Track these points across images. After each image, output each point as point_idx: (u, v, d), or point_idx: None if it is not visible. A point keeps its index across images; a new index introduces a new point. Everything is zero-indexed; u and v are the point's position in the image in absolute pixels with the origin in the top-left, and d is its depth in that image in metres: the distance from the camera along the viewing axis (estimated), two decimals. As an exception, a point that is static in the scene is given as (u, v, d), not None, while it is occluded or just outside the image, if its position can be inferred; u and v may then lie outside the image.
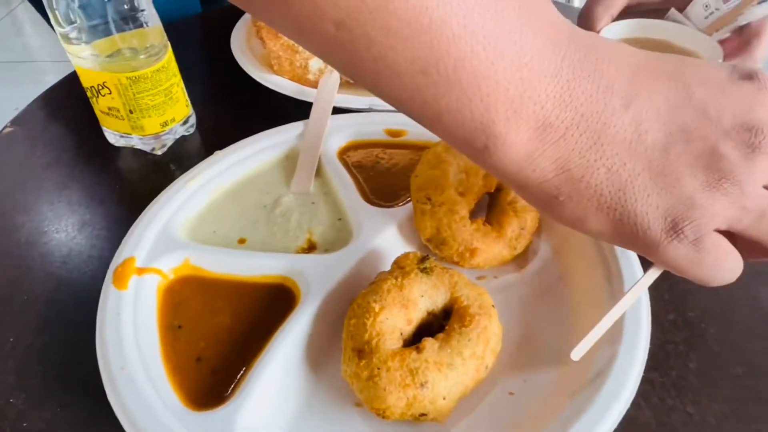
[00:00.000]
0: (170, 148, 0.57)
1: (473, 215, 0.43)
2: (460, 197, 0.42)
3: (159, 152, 0.56)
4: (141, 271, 0.41)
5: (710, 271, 0.29)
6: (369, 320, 0.35)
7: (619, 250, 0.41)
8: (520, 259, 0.45)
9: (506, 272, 0.44)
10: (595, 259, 0.42)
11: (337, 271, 0.41)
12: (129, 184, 0.54)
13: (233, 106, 0.64)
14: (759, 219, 0.28)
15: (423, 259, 0.38)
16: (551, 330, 0.40)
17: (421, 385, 0.33)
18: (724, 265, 0.29)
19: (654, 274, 0.34)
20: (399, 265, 0.39)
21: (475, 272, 0.43)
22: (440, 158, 0.42)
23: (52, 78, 0.66)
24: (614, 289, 0.39)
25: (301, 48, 0.59)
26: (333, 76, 0.59)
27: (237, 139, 0.53)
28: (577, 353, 0.35)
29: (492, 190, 0.45)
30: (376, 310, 0.35)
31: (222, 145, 0.53)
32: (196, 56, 0.73)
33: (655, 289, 0.42)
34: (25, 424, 0.36)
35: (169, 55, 0.52)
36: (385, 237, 0.44)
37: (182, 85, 0.55)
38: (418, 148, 0.52)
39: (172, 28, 0.82)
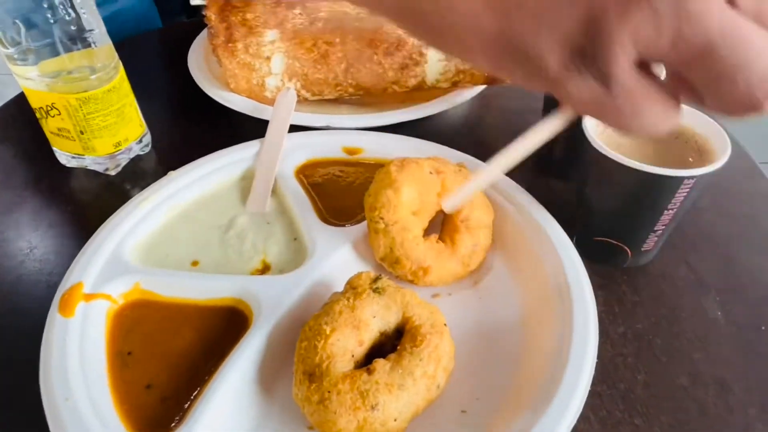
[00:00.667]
0: (125, 167, 0.56)
1: (427, 233, 0.44)
2: (413, 216, 0.43)
3: (113, 172, 0.55)
4: (89, 297, 0.40)
5: (628, 115, 0.24)
6: (320, 343, 0.35)
7: (568, 263, 0.42)
8: (475, 276, 0.45)
9: (461, 289, 0.44)
10: (546, 273, 0.42)
11: (291, 292, 0.41)
12: (80, 206, 0.53)
13: (190, 125, 0.63)
14: (678, 37, 0.22)
15: (376, 279, 0.39)
16: (504, 346, 0.40)
17: (372, 407, 0.33)
18: (644, 108, 0.24)
19: (559, 118, 0.30)
20: (351, 285, 0.39)
21: (430, 290, 0.44)
22: (393, 177, 0.43)
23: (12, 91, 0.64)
24: (565, 303, 0.40)
25: (257, 65, 0.59)
26: (290, 94, 0.59)
27: (194, 157, 0.52)
28: (449, 204, 0.33)
29: (445, 208, 0.45)
30: (327, 332, 0.35)
31: (178, 163, 0.52)
32: (153, 73, 0.73)
33: (604, 304, 0.43)
34: (-37, 462, 0.34)
35: (120, 75, 0.51)
36: (340, 257, 0.44)
37: (135, 104, 0.54)
38: (375, 166, 0.52)
39: (130, 43, 0.81)
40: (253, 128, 0.56)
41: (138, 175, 0.56)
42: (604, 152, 0.40)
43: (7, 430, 0.36)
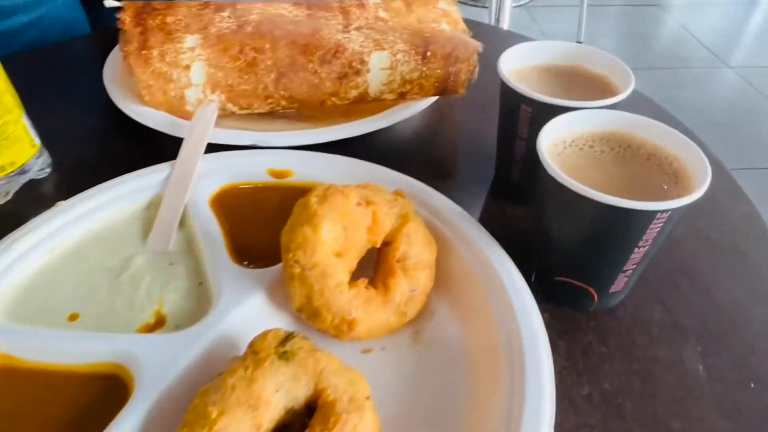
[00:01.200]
0: (17, 195, 0.48)
1: (355, 277, 0.37)
2: (336, 258, 0.35)
3: (1, 201, 0.47)
4: (-74, 367, 0.32)
5: None
6: (203, 430, 0.27)
7: (521, 311, 0.35)
8: (414, 325, 0.38)
9: (397, 342, 0.37)
10: (496, 323, 0.36)
11: (184, 355, 0.33)
12: (-45, 243, 0.45)
13: (103, 144, 0.55)
14: None
15: (285, 340, 0.31)
16: (445, 415, 0.33)
17: None
18: None
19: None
20: (253, 349, 0.31)
21: (360, 344, 0.36)
22: (312, 211, 0.35)
23: None
24: (516, 362, 0.33)
25: (175, 75, 0.51)
26: (209, 108, 0.51)
27: (101, 182, 0.45)
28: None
29: (378, 245, 0.38)
30: (213, 416, 0.28)
31: (82, 189, 0.44)
32: (65, 85, 0.64)
33: (567, 358, 0.36)
34: None
35: None
36: (252, 306, 0.37)
37: (23, 121, 0.46)
38: (305, 191, 0.45)
39: (47, 52, 0.73)
40: (175, 148, 0.49)
41: (34, 203, 0.48)
42: (560, 179, 0.33)
43: None
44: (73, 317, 0.37)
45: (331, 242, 0.35)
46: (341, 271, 0.35)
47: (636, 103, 0.41)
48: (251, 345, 0.31)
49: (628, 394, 0.35)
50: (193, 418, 0.28)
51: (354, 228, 0.36)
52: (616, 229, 0.33)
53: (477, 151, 0.55)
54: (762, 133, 1.85)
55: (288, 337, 0.32)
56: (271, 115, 0.56)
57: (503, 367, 0.34)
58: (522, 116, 0.42)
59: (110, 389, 0.33)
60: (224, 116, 0.54)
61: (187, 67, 0.51)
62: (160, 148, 0.51)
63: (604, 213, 0.33)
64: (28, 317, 0.36)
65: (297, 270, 0.35)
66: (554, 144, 0.38)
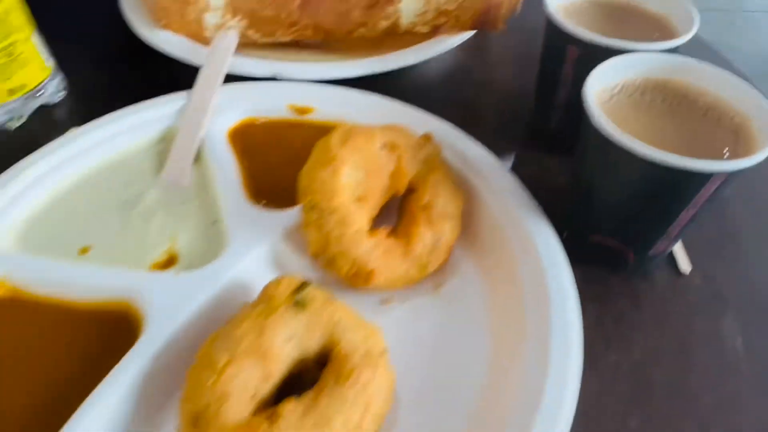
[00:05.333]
0: (29, 120, 0.47)
1: (376, 225, 0.34)
2: (356, 204, 0.33)
3: (14, 125, 0.46)
4: (-64, 293, 0.31)
5: None
6: (210, 379, 0.26)
7: (551, 268, 0.33)
8: (436, 277, 0.36)
9: (418, 294, 0.35)
10: (523, 280, 0.33)
11: (195, 295, 0.32)
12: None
13: (118, 70, 0.53)
14: None
15: (300, 288, 0.30)
16: (462, 378, 0.32)
17: (270, 471, 0.25)
18: None
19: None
20: (267, 295, 0.30)
21: (379, 294, 0.35)
22: (332, 153, 0.33)
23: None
24: (543, 322, 0.31)
25: (194, -2, 0.48)
26: (229, 35, 0.48)
27: (117, 109, 0.43)
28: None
29: (401, 192, 0.36)
30: (221, 364, 0.27)
31: (97, 116, 0.43)
32: (79, 9, 0.61)
33: (596, 323, 0.34)
34: None
35: (9, 3, 0.41)
36: (267, 250, 0.35)
37: (33, 41, 0.44)
38: (327, 131, 0.43)
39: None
40: (192, 77, 0.46)
41: (48, 129, 0.46)
42: (606, 131, 0.30)
43: None
44: (84, 250, 0.35)
45: (351, 187, 0.33)
46: (361, 217, 0.33)
47: (691, 51, 0.36)
48: (264, 291, 0.30)
49: (658, 365, 0.33)
50: (203, 364, 0.27)
51: (376, 173, 0.34)
52: (664, 188, 0.30)
53: (513, 95, 0.51)
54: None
55: (303, 285, 0.30)
56: (294, 46, 0.52)
57: (528, 328, 0.32)
58: (568, 57, 0.39)
59: (118, 327, 0.32)
60: (245, 45, 0.50)
61: (207, -12, 0.48)
62: (178, 75, 0.49)
63: (653, 170, 0.29)
64: (39, 247, 0.35)
65: (314, 215, 0.33)
66: (602, 90, 0.34)
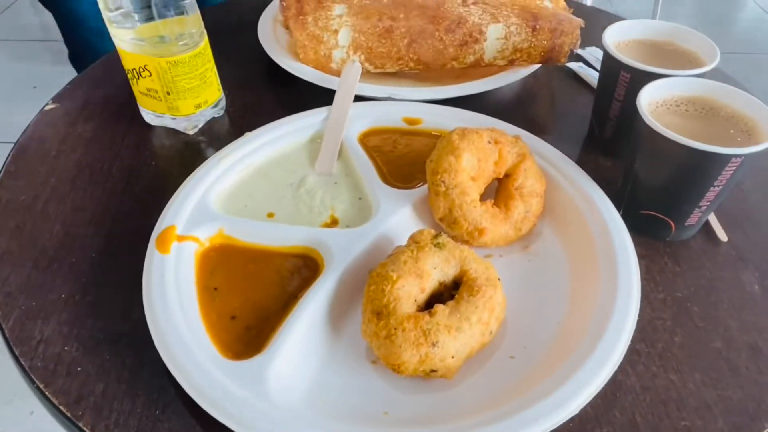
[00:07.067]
0: (201, 128, 0.61)
1: (482, 198, 0.47)
2: (471, 181, 0.46)
3: (191, 132, 0.60)
4: (181, 238, 0.45)
5: None
6: (387, 287, 0.39)
7: (615, 230, 0.45)
8: (525, 240, 0.49)
9: (511, 252, 0.48)
10: (594, 240, 0.46)
11: (358, 244, 0.45)
12: (164, 160, 0.58)
13: (260, 91, 0.68)
14: None
15: (436, 236, 0.43)
16: (550, 304, 0.44)
17: (433, 344, 0.37)
18: None
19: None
20: (415, 240, 0.43)
21: (482, 251, 0.47)
22: (455, 145, 0.46)
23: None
24: (611, 266, 0.43)
25: (326, 38, 0.63)
26: (355, 66, 0.62)
27: (263, 122, 0.57)
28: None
29: (501, 176, 0.49)
30: (394, 278, 0.40)
31: (248, 127, 0.57)
32: (225, 43, 0.77)
33: (646, 273, 0.46)
34: (79, 369, 0.40)
35: (205, 42, 0.56)
36: (402, 215, 0.48)
37: (215, 70, 0.59)
38: (433, 136, 0.56)
39: (203, 14, 0.86)
40: (317, 97, 0.61)
41: (212, 136, 0.61)
42: (656, 129, 0.43)
43: (113, 348, 0.42)
44: (270, 215, 0.49)
45: (468, 169, 0.46)
46: (475, 191, 0.46)
47: (715, 78, 0.49)
48: (412, 237, 0.43)
49: (695, 301, 0.45)
50: (378, 279, 0.40)
51: (485, 160, 0.47)
52: (696, 169, 0.43)
53: (570, 112, 0.64)
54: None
55: (437, 234, 0.43)
56: (397, 74, 0.67)
57: (600, 272, 0.44)
58: (621, 81, 0.52)
59: (303, 265, 0.45)
60: (360, 74, 0.65)
61: (336, 31, 0.63)
62: (305, 96, 0.63)
63: (688, 155, 0.42)
64: (238, 213, 0.49)
65: (442, 188, 0.46)
66: (648, 103, 0.47)
